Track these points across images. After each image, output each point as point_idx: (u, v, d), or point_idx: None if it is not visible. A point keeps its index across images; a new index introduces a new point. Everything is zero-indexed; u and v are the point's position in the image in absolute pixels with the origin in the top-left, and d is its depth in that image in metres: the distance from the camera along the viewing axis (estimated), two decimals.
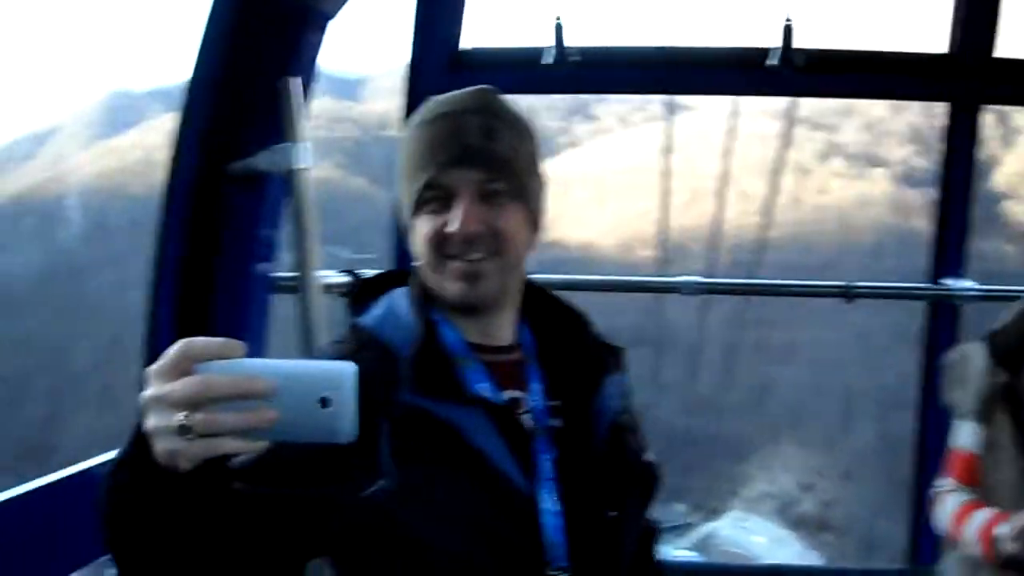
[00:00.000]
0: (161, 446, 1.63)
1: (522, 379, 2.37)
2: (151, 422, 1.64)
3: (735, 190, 54.91)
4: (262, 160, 3.79)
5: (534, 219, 2.39)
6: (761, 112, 52.38)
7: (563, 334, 2.47)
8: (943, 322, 5.32)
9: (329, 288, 4.22)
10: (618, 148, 70.62)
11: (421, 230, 2.29)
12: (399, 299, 2.35)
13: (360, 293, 2.44)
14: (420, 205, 2.27)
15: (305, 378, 1.63)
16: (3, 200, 56.98)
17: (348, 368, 1.64)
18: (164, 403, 1.61)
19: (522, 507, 2.14)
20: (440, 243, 2.25)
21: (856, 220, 56.66)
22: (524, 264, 2.41)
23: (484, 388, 2.25)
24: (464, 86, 2.39)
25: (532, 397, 2.34)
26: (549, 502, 2.17)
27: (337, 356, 2.17)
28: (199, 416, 1.58)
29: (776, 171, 55.20)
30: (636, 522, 2.44)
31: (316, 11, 3.87)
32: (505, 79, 4.72)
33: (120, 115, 54.90)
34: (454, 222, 2.22)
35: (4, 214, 55.53)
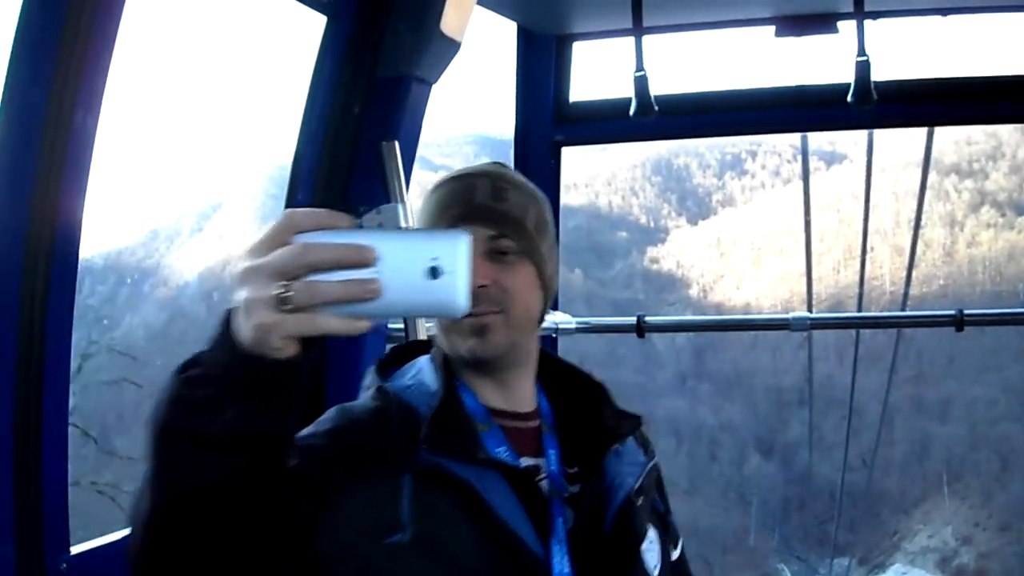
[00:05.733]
0: (254, 321, 1.48)
1: (540, 446, 2.30)
2: (244, 294, 1.49)
3: (889, 245, 54.28)
4: (367, 220, 3.88)
5: (544, 282, 2.31)
6: (915, 164, 51.97)
7: (580, 404, 2.40)
8: None
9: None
10: (773, 204, 70.32)
11: None
12: (424, 365, 2.32)
13: (387, 360, 2.39)
14: None
15: (413, 246, 1.51)
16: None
17: (461, 235, 1.52)
18: (261, 273, 1.47)
19: (534, 568, 2.08)
20: None
21: (1007, 270, 55.71)
22: (536, 327, 2.35)
23: (502, 452, 2.19)
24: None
25: (549, 463, 2.27)
26: (561, 564, 2.13)
27: (363, 412, 2.19)
28: (298, 284, 1.45)
29: (927, 224, 54.47)
30: None
31: (416, 78, 3.96)
32: (607, 129, 4.92)
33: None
34: None
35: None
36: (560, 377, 2.44)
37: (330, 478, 1.97)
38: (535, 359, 2.37)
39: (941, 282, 57.71)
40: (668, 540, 2.42)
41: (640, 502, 2.29)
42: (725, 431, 57.39)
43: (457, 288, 1.50)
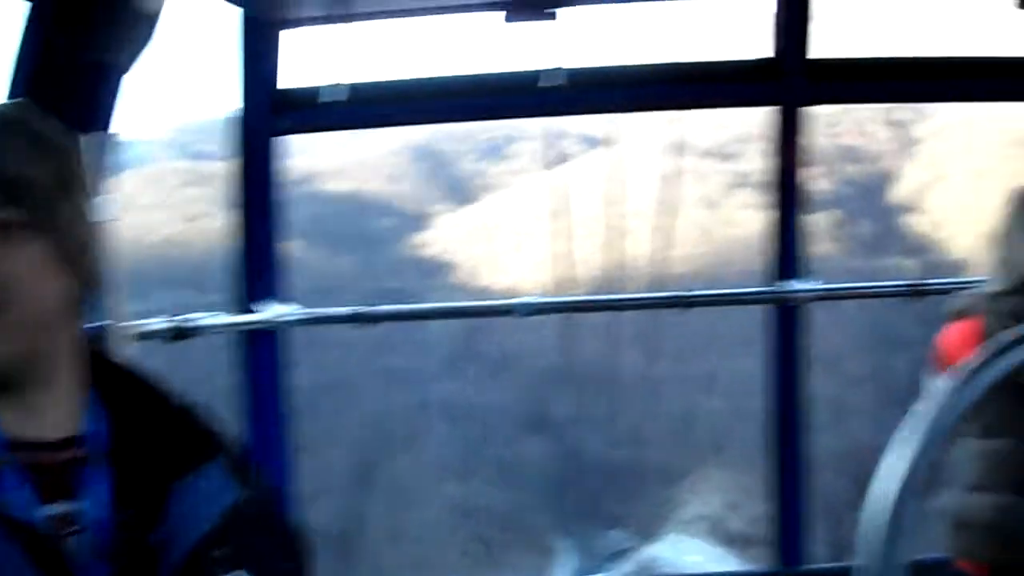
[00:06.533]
0: None
1: (77, 485, 1.78)
2: None
3: (651, 227, 55.30)
4: None
5: (70, 261, 1.78)
6: (674, 147, 52.67)
7: (144, 421, 1.88)
8: (784, 324, 5.24)
9: (149, 335, 4.16)
10: (534, 189, 70.96)
11: None
12: None
13: None
14: None
15: None
16: None
17: None
18: None
19: None
20: None
21: (764, 250, 57.42)
22: (65, 324, 1.82)
23: (16, 498, 1.69)
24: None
25: (92, 508, 1.77)
26: None
27: None
28: None
29: (681, 206, 55.70)
30: None
31: (109, 66, 3.78)
32: (320, 116, 4.90)
33: None
34: None
35: None
36: (124, 388, 1.93)
37: None
38: (74, 367, 1.87)
39: (702, 262, 58.97)
40: None
41: (219, 552, 1.84)
42: (496, 412, 57.74)
43: None
